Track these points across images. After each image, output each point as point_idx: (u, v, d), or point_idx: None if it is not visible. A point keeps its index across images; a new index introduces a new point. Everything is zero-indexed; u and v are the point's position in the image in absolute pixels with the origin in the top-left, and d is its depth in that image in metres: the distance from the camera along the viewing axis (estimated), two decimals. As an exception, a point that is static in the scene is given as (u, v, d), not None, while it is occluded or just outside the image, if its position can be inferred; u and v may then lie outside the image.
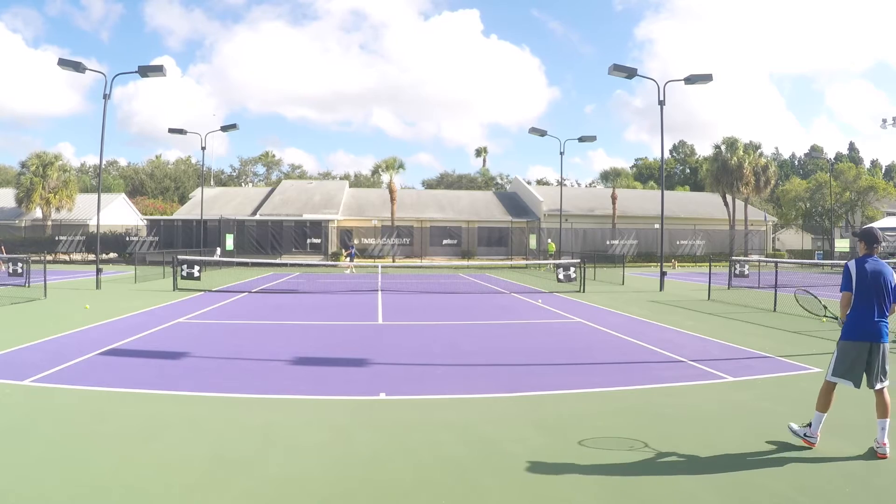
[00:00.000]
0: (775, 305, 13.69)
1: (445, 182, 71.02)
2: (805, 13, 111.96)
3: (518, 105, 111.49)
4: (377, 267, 21.05)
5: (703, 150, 75.77)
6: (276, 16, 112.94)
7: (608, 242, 39.10)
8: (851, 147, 76.08)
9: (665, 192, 23.41)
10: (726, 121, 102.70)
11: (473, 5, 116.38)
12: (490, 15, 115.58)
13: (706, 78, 19.88)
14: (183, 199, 57.26)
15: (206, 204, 34.01)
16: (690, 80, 20.00)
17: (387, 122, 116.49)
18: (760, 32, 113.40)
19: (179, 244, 33.16)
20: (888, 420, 4.46)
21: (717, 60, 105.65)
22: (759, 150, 41.13)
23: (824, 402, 4.67)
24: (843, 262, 28.04)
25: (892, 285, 4.59)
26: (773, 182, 41.69)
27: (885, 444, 4.41)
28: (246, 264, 29.41)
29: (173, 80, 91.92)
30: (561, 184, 39.46)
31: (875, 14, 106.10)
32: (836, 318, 5.05)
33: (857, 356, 4.59)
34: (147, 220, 38.35)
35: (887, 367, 4.60)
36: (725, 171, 39.30)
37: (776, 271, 16.03)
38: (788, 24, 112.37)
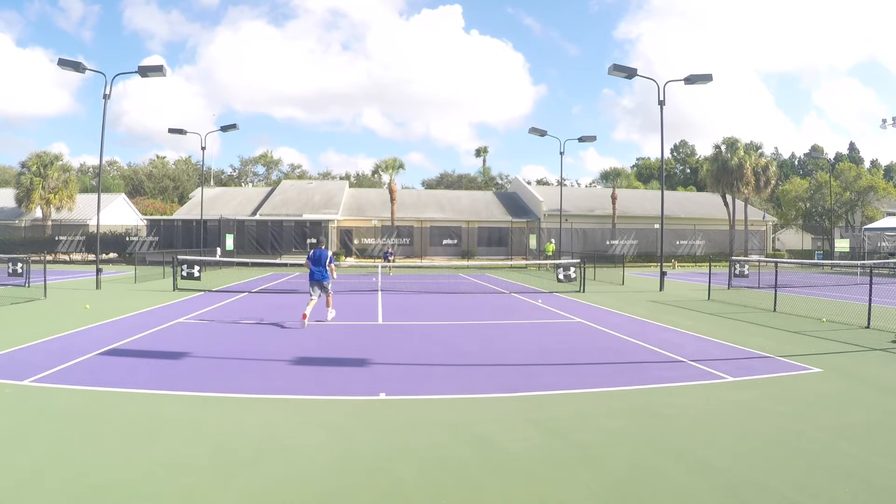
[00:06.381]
0: (775, 305, 13.68)
1: (445, 182, 71.07)
2: (789, 10, 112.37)
3: (504, 104, 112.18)
4: (377, 267, 21.05)
5: (701, 149, 75.98)
6: (254, 16, 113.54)
7: (608, 242, 39.10)
8: (852, 147, 76.14)
9: (665, 192, 23.40)
10: (717, 120, 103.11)
11: (454, 1, 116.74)
12: (470, 12, 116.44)
13: (706, 78, 19.83)
14: (182, 199, 57.26)
15: (206, 204, 34.02)
16: (690, 80, 19.95)
17: (376, 123, 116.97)
18: (743, 30, 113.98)
19: (179, 244, 33.14)
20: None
21: (702, 59, 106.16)
22: (760, 150, 41.11)
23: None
24: (843, 262, 27.97)
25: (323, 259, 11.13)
26: (773, 182, 41.65)
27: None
28: (246, 264, 29.40)
29: (161, 80, 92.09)
30: (561, 184, 39.48)
31: (861, 12, 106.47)
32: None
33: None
34: (147, 220, 38.31)
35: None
36: (725, 171, 39.28)
37: (776, 271, 16.02)
38: (772, 21, 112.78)
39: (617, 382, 6.82)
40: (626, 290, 19.18)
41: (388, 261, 26.87)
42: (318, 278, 11.11)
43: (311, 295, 11.20)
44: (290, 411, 5.61)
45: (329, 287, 11.30)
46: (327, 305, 11.42)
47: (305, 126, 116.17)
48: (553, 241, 35.36)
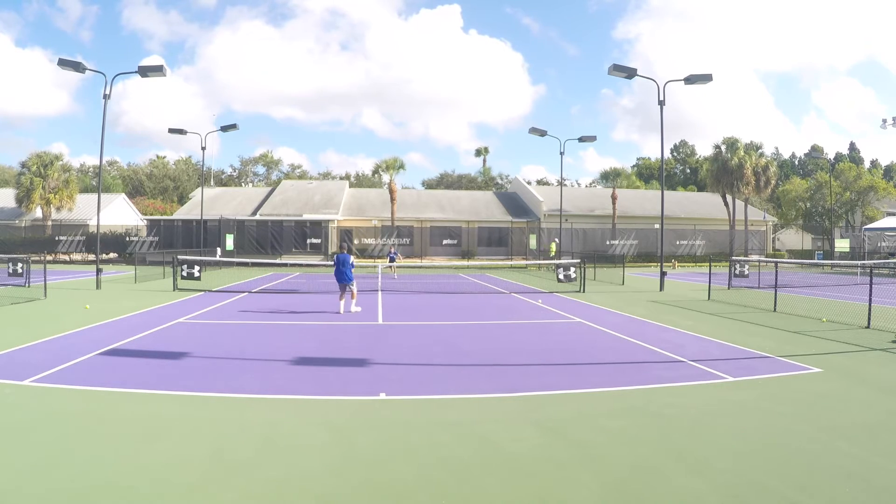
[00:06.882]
0: (775, 305, 13.68)
1: (445, 182, 71.06)
2: (787, 10, 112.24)
3: (503, 104, 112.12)
4: (377, 267, 21.05)
5: (701, 149, 76.00)
6: (252, 16, 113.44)
7: (608, 242, 39.09)
8: (852, 147, 76.15)
9: (665, 191, 23.39)
10: (717, 120, 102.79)
11: (452, 0, 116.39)
12: (468, 11, 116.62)
13: (706, 78, 19.81)
14: (182, 199, 57.27)
15: (206, 204, 34.01)
16: (690, 80, 19.93)
17: (375, 123, 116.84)
18: (742, 30, 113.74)
19: (179, 244, 33.15)
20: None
21: (700, 59, 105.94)
22: (760, 151, 41.10)
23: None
24: (843, 262, 27.90)
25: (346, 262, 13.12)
26: (773, 182, 41.63)
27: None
28: (246, 264, 29.41)
29: (160, 80, 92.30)
30: (561, 184, 39.50)
31: (860, 12, 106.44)
32: None
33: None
34: (147, 220, 38.32)
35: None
36: (725, 171, 39.27)
37: (776, 271, 16.02)
38: (770, 21, 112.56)
39: (617, 382, 6.82)
40: (626, 290, 19.18)
41: (393, 261, 25.80)
42: (341, 279, 13.06)
43: (340, 291, 13.21)
44: (290, 411, 5.62)
45: (353, 286, 13.19)
46: (352, 298, 13.23)
47: (305, 126, 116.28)
48: (557, 240, 35.36)
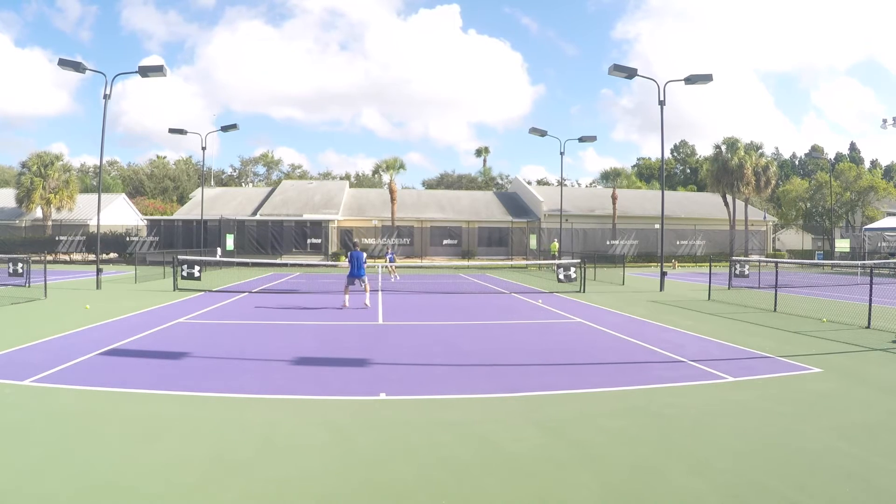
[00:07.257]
0: (775, 305, 13.68)
1: (445, 182, 71.06)
2: (787, 10, 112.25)
3: (503, 104, 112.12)
4: (377, 267, 21.04)
5: (701, 149, 75.98)
6: (251, 16, 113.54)
7: (608, 242, 39.10)
8: (852, 147, 76.14)
9: (665, 191, 23.39)
10: (717, 120, 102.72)
11: (451, 0, 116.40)
12: (467, 11, 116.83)
13: (706, 78, 19.80)
14: (182, 199, 57.28)
15: (206, 204, 34.02)
16: (690, 80, 19.91)
17: (375, 123, 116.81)
18: (741, 29, 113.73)
19: (180, 244, 33.18)
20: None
21: (700, 59, 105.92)
22: (760, 151, 41.09)
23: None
24: (843, 262, 27.87)
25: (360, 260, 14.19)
26: (773, 182, 41.62)
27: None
28: (246, 264, 29.42)
29: (160, 80, 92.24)
30: (561, 184, 39.51)
31: (859, 12, 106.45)
32: None
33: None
34: (147, 220, 38.35)
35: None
36: (726, 171, 39.27)
37: (776, 271, 16.02)
38: (770, 21, 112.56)
39: (617, 382, 6.82)
40: (627, 290, 19.17)
41: (390, 262, 24.80)
42: (356, 274, 14.08)
43: (348, 285, 14.11)
44: (290, 411, 5.61)
45: (365, 280, 14.28)
46: (365, 291, 14.40)
47: (304, 126, 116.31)
48: (557, 240, 35.35)
